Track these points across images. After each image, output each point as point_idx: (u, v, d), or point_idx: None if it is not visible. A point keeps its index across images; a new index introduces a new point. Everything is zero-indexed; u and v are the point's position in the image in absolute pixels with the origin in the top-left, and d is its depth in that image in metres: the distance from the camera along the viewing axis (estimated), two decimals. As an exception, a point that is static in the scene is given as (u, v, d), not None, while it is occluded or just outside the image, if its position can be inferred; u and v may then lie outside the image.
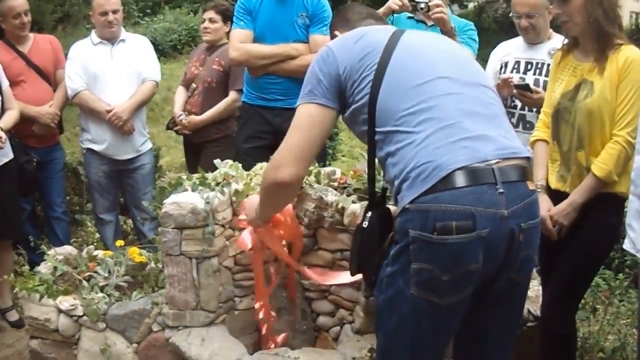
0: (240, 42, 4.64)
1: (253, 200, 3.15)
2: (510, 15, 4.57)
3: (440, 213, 2.22)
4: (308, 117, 2.58)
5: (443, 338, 2.50)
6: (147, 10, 18.21)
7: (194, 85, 5.45)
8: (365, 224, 2.56)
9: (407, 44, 2.55)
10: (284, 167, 2.53)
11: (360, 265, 2.64)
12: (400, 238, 2.34)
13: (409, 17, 4.79)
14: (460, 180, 2.24)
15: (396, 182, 2.37)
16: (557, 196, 3.39)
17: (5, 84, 4.71)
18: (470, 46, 4.66)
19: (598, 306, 4.32)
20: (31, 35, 5.26)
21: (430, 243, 2.24)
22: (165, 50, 14.43)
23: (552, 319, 3.45)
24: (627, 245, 2.80)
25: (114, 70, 5.11)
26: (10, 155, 4.60)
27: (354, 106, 2.56)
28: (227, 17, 5.53)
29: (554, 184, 3.42)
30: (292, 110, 4.63)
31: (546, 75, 4.34)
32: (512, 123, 4.48)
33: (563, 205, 3.29)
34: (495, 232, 2.25)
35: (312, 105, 2.57)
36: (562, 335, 3.46)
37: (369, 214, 2.58)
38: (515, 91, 4.29)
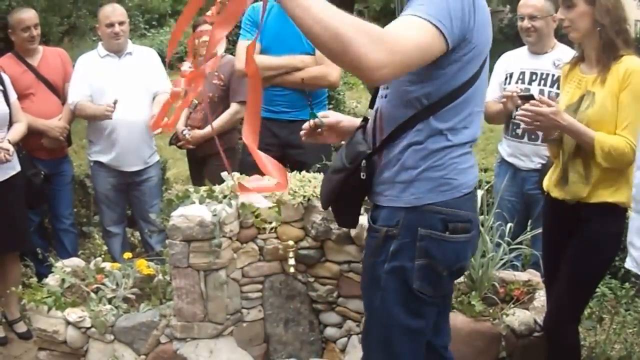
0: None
1: None
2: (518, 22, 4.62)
3: (450, 216, 2.44)
4: (431, 43, 2.19)
5: (430, 327, 2.65)
6: (153, 23, 18.27)
7: (195, 101, 5.43)
8: (362, 175, 2.53)
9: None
10: (388, 73, 2.08)
11: (337, 202, 2.68)
12: (404, 234, 2.45)
13: None
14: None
15: (411, 171, 2.44)
16: (556, 204, 3.41)
17: (14, 96, 4.73)
18: None
19: (604, 315, 4.31)
20: (40, 48, 5.27)
21: (440, 241, 2.44)
22: (171, 62, 14.44)
23: (555, 329, 3.46)
24: (629, 264, 2.81)
25: (121, 83, 5.10)
26: (18, 168, 4.62)
27: (445, 71, 2.35)
28: None
29: (554, 192, 3.43)
30: (299, 122, 4.66)
31: (551, 86, 4.37)
32: (517, 134, 4.52)
33: (564, 119, 3.21)
34: (477, 233, 2.65)
35: (436, 32, 2.20)
36: (566, 345, 3.46)
37: (364, 163, 2.54)
38: (519, 102, 4.30)
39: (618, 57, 3.21)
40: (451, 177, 2.44)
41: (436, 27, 2.18)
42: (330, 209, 2.76)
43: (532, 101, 3.27)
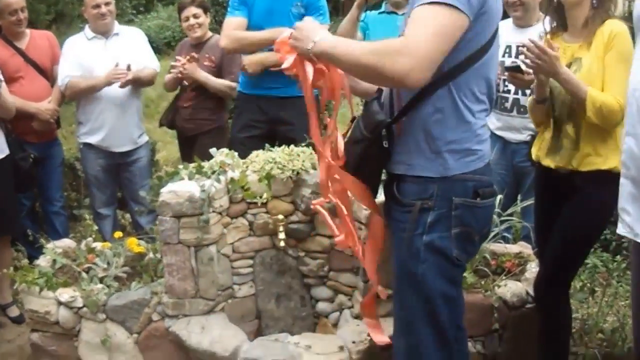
0: (233, 30, 4.64)
1: (312, 25, 2.59)
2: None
3: (478, 182, 2.57)
4: (449, 23, 2.30)
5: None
6: (141, 8, 18.14)
7: (185, 82, 5.39)
8: (385, 144, 2.56)
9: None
10: (419, 74, 2.26)
11: (359, 171, 2.71)
12: (440, 205, 2.53)
13: (380, 13, 4.88)
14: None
15: (438, 141, 2.51)
16: (548, 173, 3.41)
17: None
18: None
19: (596, 288, 4.32)
20: (28, 31, 5.23)
21: (473, 207, 2.56)
22: (159, 47, 14.37)
23: (544, 295, 3.47)
24: (622, 229, 2.79)
25: (109, 63, 5.08)
26: (6, 151, 4.59)
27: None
28: (207, 9, 5.51)
29: (546, 161, 3.43)
30: (287, 99, 4.63)
31: (537, 59, 4.36)
32: (506, 107, 4.52)
33: (562, 67, 3.20)
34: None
35: (453, 11, 2.30)
36: (558, 315, 3.47)
37: (384, 132, 2.56)
38: (506, 73, 4.29)
39: (602, 22, 3.23)
40: (476, 148, 2.56)
41: (450, 5, 2.28)
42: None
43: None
